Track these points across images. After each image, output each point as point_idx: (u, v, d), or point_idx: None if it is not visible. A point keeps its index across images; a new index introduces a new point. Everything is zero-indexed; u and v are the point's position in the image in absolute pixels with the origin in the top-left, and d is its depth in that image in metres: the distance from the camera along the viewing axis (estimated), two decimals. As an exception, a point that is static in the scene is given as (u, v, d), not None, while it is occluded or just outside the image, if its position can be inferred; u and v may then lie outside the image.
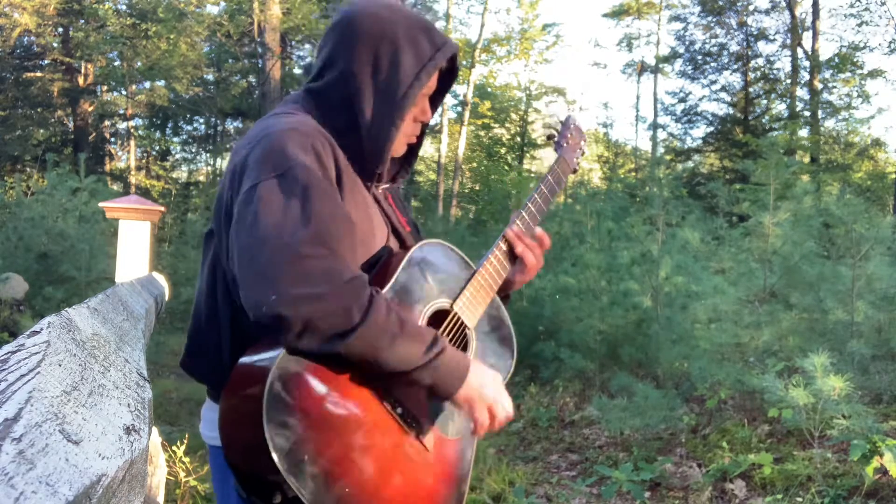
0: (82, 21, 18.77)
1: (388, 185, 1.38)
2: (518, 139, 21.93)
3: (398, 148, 1.31)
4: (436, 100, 1.37)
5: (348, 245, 1.10)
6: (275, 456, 0.99)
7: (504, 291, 1.48)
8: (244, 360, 1.12)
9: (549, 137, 1.67)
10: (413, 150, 1.39)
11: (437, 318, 1.26)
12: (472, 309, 1.31)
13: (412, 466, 1.17)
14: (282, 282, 1.01)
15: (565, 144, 1.63)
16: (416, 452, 1.17)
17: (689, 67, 22.97)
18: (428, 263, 1.26)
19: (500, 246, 1.40)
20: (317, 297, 1.00)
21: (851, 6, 19.51)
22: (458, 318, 1.29)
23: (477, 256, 1.44)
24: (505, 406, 1.23)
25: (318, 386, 1.07)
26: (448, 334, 1.27)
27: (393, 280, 1.19)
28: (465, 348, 1.30)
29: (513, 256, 1.42)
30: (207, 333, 1.26)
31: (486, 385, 1.19)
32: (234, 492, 1.20)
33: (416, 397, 1.17)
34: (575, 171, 1.64)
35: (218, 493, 1.30)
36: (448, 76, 1.36)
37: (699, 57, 22.74)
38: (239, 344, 1.16)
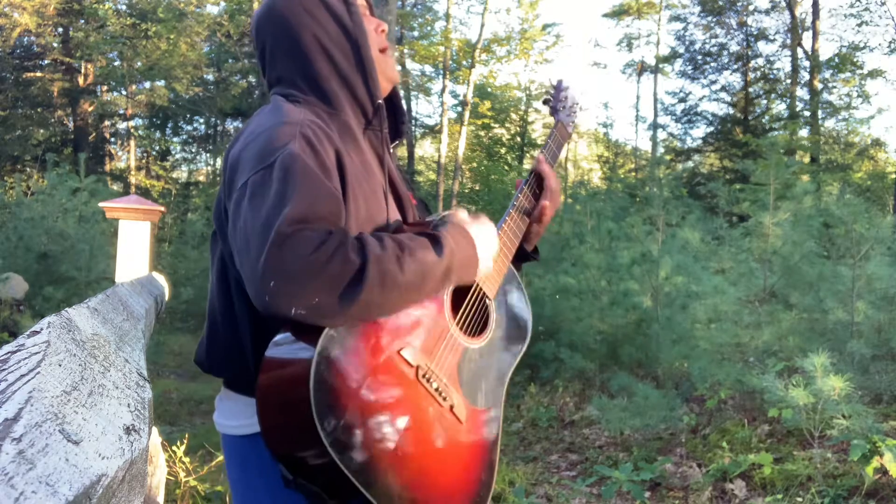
0: (82, 21, 18.79)
1: (394, 144, 1.40)
2: (518, 139, 21.94)
3: (384, 76, 1.34)
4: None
5: (335, 220, 1.09)
6: (324, 439, 1.00)
7: (521, 250, 1.50)
8: (277, 349, 1.10)
9: (545, 102, 1.67)
10: (395, 104, 1.43)
11: (460, 290, 1.25)
12: (491, 279, 1.32)
13: (450, 439, 1.18)
14: (276, 267, 1.00)
15: (561, 109, 1.63)
16: (451, 425, 1.19)
17: (689, 67, 22.99)
18: None
19: (517, 205, 1.42)
20: (312, 266, 1.00)
21: (851, 6, 19.54)
22: (480, 289, 1.29)
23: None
24: (491, 255, 1.27)
25: (359, 367, 1.07)
26: (471, 306, 1.27)
27: None
28: (486, 320, 1.31)
29: (525, 217, 1.45)
30: (225, 331, 1.26)
31: (487, 256, 1.24)
32: (256, 477, 1.21)
33: (448, 368, 1.19)
34: (570, 137, 1.64)
35: (235, 479, 1.29)
36: None
37: (699, 57, 22.76)
38: (261, 338, 1.15)
